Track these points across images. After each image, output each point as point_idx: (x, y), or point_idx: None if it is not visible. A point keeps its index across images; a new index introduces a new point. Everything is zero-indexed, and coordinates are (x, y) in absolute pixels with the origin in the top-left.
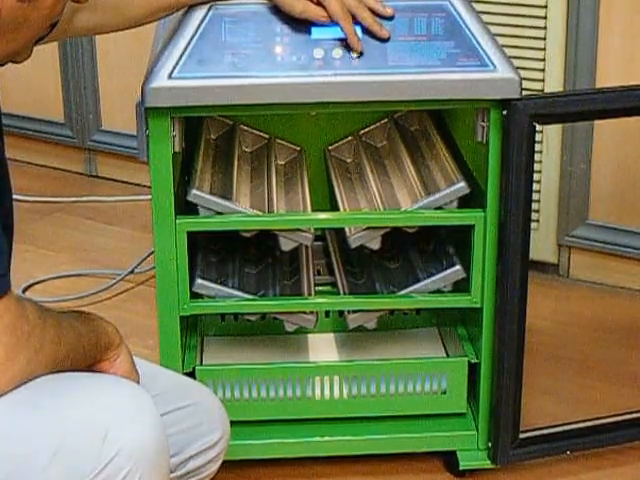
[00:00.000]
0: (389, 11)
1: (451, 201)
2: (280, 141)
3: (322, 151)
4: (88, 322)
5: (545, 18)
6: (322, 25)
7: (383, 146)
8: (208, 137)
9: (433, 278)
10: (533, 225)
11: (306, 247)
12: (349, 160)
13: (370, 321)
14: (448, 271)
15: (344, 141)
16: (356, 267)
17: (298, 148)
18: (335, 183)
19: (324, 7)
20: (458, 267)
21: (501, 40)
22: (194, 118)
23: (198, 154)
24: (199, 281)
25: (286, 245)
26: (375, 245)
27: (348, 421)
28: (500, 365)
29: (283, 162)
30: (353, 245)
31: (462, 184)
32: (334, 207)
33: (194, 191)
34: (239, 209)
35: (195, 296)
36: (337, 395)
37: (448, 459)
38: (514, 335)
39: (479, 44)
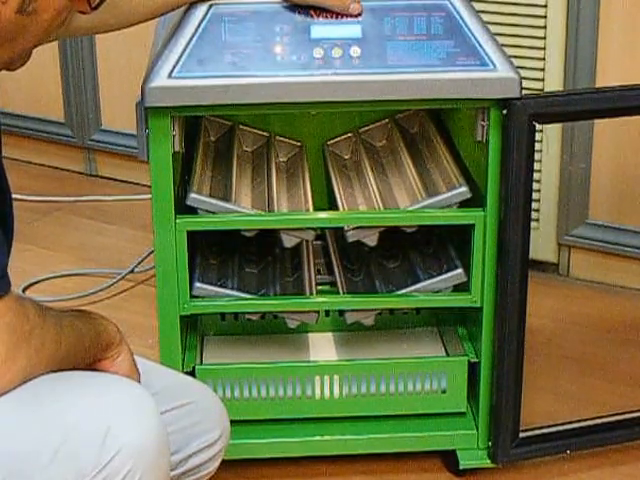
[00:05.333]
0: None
1: (451, 205)
2: (280, 138)
3: (321, 146)
4: (89, 321)
5: (545, 18)
6: (322, 24)
7: (382, 145)
8: (207, 139)
9: (433, 279)
10: (533, 225)
11: (307, 242)
12: (347, 157)
13: (368, 318)
14: (449, 274)
15: (343, 137)
16: (355, 265)
17: (299, 144)
18: (333, 179)
19: None
20: (460, 270)
21: (501, 40)
22: (194, 119)
23: (197, 157)
24: (198, 284)
25: (288, 242)
26: (372, 242)
27: (348, 420)
28: (500, 365)
29: (285, 159)
30: (350, 240)
31: (464, 189)
32: (332, 203)
33: (192, 195)
34: (238, 210)
35: (195, 295)
36: (337, 394)
37: (448, 458)
38: (514, 335)
39: (479, 43)
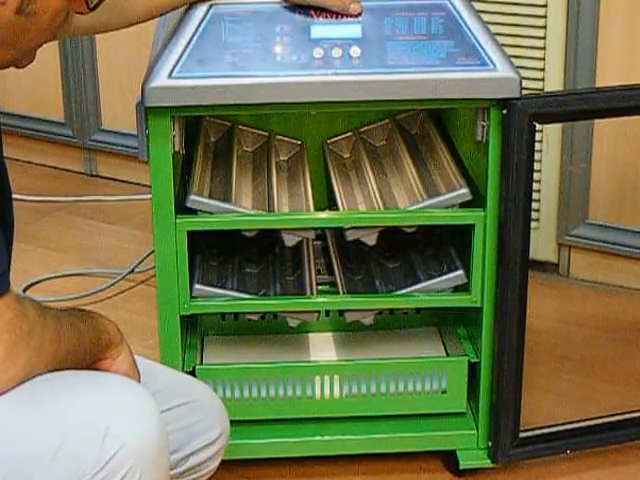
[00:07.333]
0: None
1: (452, 206)
2: (280, 137)
3: (321, 145)
4: (89, 320)
5: (545, 18)
6: (322, 24)
7: (382, 146)
8: (207, 140)
9: (434, 280)
10: (533, 225)
11: (307, 242)
12: (347, 156)
13: (367, 317)
14: (450, 275)
15: (343, 136)
16: (355, 264)
17: (299, 142)
18: (333, 178)
19: None
20: (460, 272)
21: (501, 40)
22: (194, 119)
23: (196, 158)
24: (197, 286)
25: (290, 241)
26: (371, 241)
27: (348, 420)
28: (500, 365)
29: (286, 157)
30: (349, 238)
31: (464, 190)
32: (332, 201)
33: (192, 197)
34: (238, 210)
35: (195, 296)
36: (337, 394)
37: (448, 458)
38: (514, 335)
39: (479, 43)
